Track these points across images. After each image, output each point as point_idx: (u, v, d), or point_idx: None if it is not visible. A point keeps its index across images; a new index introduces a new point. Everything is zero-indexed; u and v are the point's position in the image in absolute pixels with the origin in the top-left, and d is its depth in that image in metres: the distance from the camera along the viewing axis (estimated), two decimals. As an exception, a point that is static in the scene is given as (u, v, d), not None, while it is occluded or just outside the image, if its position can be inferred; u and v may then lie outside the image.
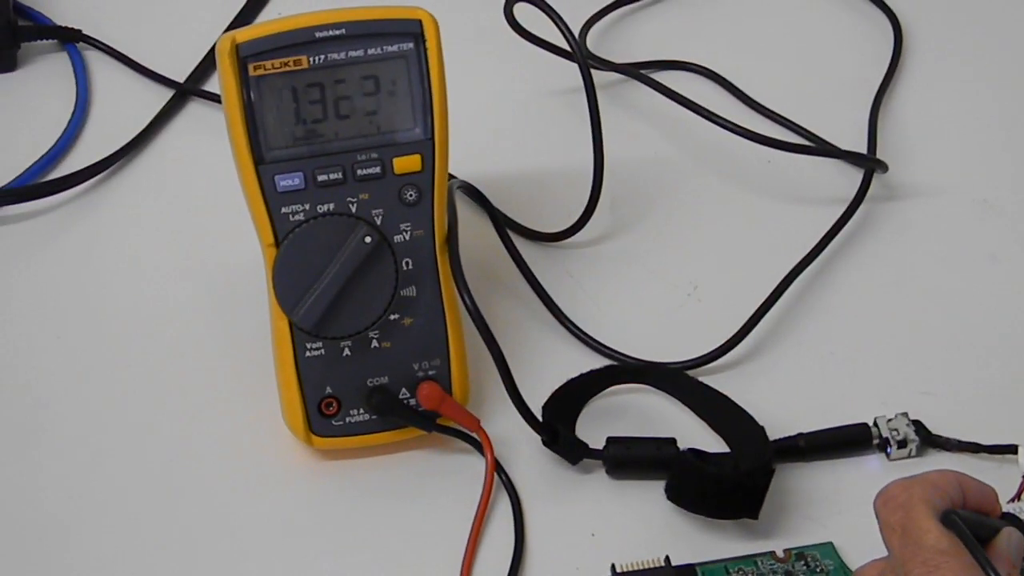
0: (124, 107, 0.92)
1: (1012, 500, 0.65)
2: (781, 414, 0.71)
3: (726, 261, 0.82)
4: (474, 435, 0.69)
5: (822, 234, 0.81)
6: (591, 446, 0.70)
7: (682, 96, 0.87)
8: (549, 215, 0.83)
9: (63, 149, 0.89)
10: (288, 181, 0.67)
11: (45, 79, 0.95)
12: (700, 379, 0.73)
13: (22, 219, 0.84)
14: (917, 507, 0.55)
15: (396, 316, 0.69)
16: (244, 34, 0.66)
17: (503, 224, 0.79)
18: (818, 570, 0.65)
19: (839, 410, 0.72)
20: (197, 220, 0.84)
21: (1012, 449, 0.70)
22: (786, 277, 0.79)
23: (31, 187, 0.85)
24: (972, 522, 0.55)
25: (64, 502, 0.69)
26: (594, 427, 0.71)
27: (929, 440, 0.71)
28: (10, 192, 0.85)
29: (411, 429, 0.70)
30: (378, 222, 0.67)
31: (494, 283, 0.79)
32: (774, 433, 0.69)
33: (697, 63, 0.95)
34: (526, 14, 0.84)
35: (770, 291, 0.78)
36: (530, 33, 0.88)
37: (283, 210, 0.67)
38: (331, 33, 0.66)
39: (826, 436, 0.70)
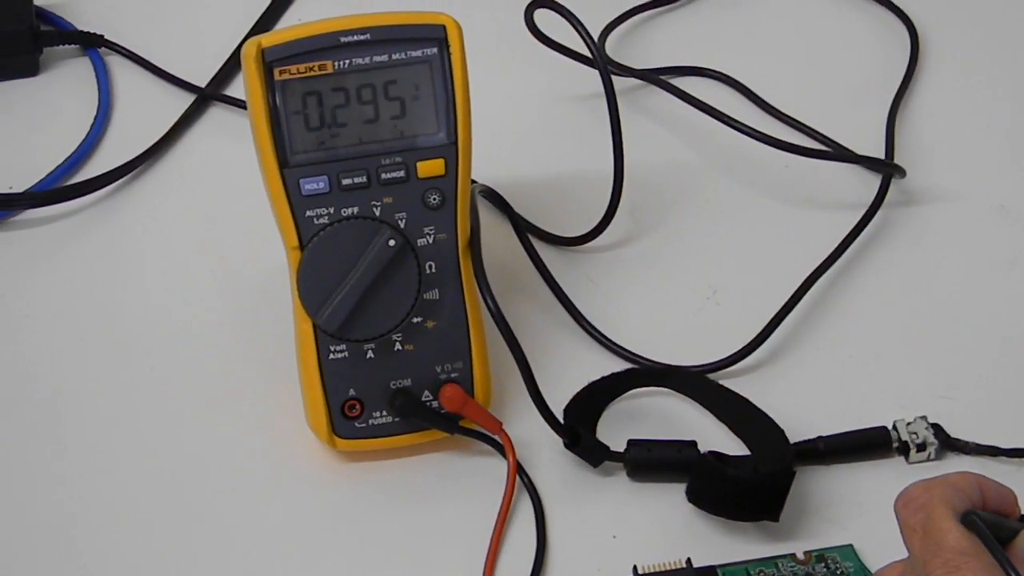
0: (146, 112, 0.93)
1: (1031, 503, 0.66)
2: (801, 417, 0.72)
3: (745, 265, 0.82)
4: (496, 437, 0.70)
5: (840, 239, 0.82)
6: (612, 448, 0.70)
7: (701, 101, 0.88)
8: (569, 219, 0.83)
9: (85, 153, 0.89)
10: (313, 185, 0.67)
11: (67, 84, 0.95)
12: (720, 382, 0.74)
13: (45, 223, 0.85)
14: (937, 508, 0.55)
15: (419, 319, 0.69)
16: (270, 39, 0.67)
17: (524, 228, 0.80)
18: (838, 572, 0.65)
19: (858, 413, 0.72)
20: (220, 224, 0.84)
21: (1031, 452, 0.70)
22: (805, 281, 0.79)
23: (54, 191, 0.86)
24: (992, 523, 0.55)
25: (88, 503, 0.70)
26: (615, 430, 0.71)
27: (948, 443, 0.71)
28: (34, 196, 0.85)
29: (434, 431, 0.70)
30: (402, 226, 0.68)
31: (515, 287, 0.79)
32: (794, 436, 0.70)
33: (715, 68, 0.95)
34: (546, 20, 0.85)
35: (789, 295, 0.78)
36: (550, 39, 0.89)
37: (308, 213, 0.67)
38: (356, 38, 0.67)
39: (846, 439, 0.71)
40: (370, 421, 0.70)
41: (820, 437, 0.71)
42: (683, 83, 0.92)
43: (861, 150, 0.88)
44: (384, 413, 0.70)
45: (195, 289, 0.81)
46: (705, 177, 0.88)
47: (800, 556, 0.66)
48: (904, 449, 0.71)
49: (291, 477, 0.71)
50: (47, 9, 0.99)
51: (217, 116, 0.93)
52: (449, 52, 0.68)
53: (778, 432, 0.70)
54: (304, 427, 0.71)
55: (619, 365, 0.75)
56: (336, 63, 0.67)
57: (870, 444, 0.71)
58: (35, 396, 0.75)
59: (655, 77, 0.93)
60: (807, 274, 0.79)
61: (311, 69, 0.67)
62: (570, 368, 0.74)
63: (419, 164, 0.68)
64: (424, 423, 0.70)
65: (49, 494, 0.70)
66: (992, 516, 0.56)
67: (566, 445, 0.70)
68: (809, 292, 0.79)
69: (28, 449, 0.72)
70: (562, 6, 0.82)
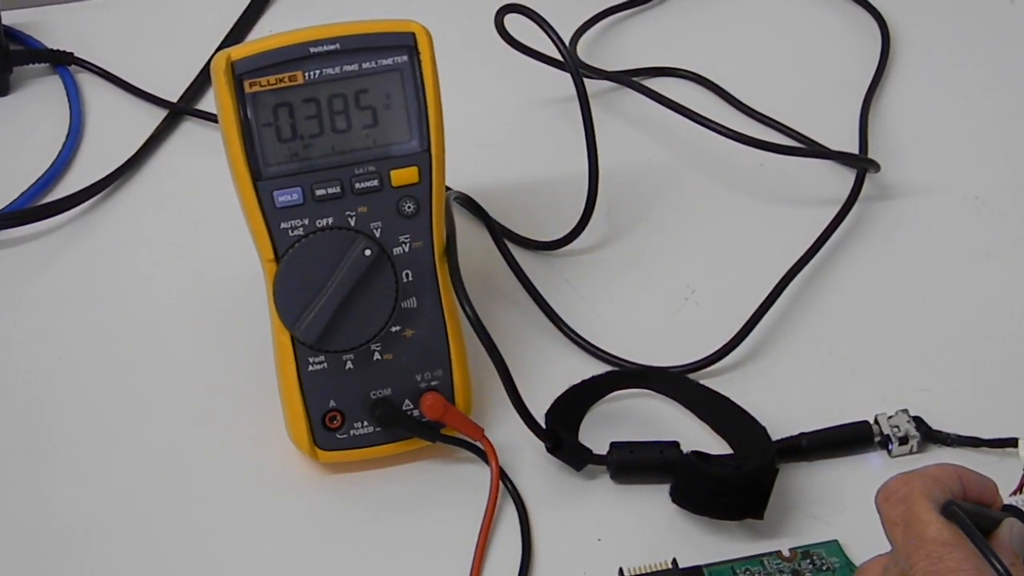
0: (118, 128, 0.93)
1: (1014, 493, 0.65)
2: (782, 414, 0.72)
3: (723, 264, 0.82)
4: (478, 444, 0.70)
5: (817, 235, 0.82)
6: (595, 452, 0.70)
7: (674, 102, 0.88)
8: (545, 223, 0.83)
9: (59, 172, 0.89)
10: (287, 196, 0.67)
11: (38, 103, 0.95)
12: (701, 382, 0.74)
13: (20, 242, 0.85)
14: (918, 500, 0.55)
15: (397, 328, 0.69)
16: (239, 51, 0.66)
17: (500, 234, 0.80)
18: (824, 568, 0.65)
19: (840, 409, 0.72)
20: (195, 238, 0.84)
21: (1012, 442, 0.70)
22: (783, 278, 0.79)
23: (28, 210, 0.85)
24: (973, 513, 0.55)
25: (70, 521, 0.69)
26: (597, 433, 0.71)
27: (930, 436, 0.71)
28: (7, 216, 0.85)
29: (415, 440, 0.70)
30: (377, 235, 0.68)
31: (493, 293, 0.79)
32: (776, 433, 0.70)
33: (687, 69, 0.95)
34: (517, 24, 0.85)
35: (767, 293, 0.78)
36: (521, 43, 0.89)
37: (282, 225, 0.67)
38: (325, 48, 0.67)
39: (828, 435, 0.71)
40: (351, 432, 0.70)
41: (802, 433, 0.71)
42: (656, 84, 0.92)
43: (835, 146, 0.88)
44: (365, 423, 0.70)
45: (172, 304, 0.80)
46: (680, 177, 0.88)
47: (785, 553, 0.66)
48: (886, 443, 0.71)
49: (273, 490, 0.70)
50: (16, 28, 0.99)
51: (190, 130, 0.93)
52: (419, 59, 0.68)
53: (760, 430, 0.70)
54: (285, 440, 0.70)
55: (599, 368, 0.75)
56: (306, 74, 0.67)
57: (852, 439, 0.71)
58: (14, 415, 0.75)
59: (627, 79, 0.93)
60: (785, 271, 0.80)
61: (281, 80, 0.67)
62: (550, 372, 0.74)
63: (393, 172, 0.68)
64: (406, 432, 0.70)
65: (28, 510, 0.70)
66: (973, 506, 0.56)
67: (548, 449, 0.70)
68: (787, 289, 0.79)
69: (6, 467, 0.72)
70: (532, 10, 0.82)
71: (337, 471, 0.71)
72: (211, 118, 0.92)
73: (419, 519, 0.69)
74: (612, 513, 0.69)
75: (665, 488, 0.68)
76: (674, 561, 0.66)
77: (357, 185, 0.68)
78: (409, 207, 0.68)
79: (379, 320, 0.67)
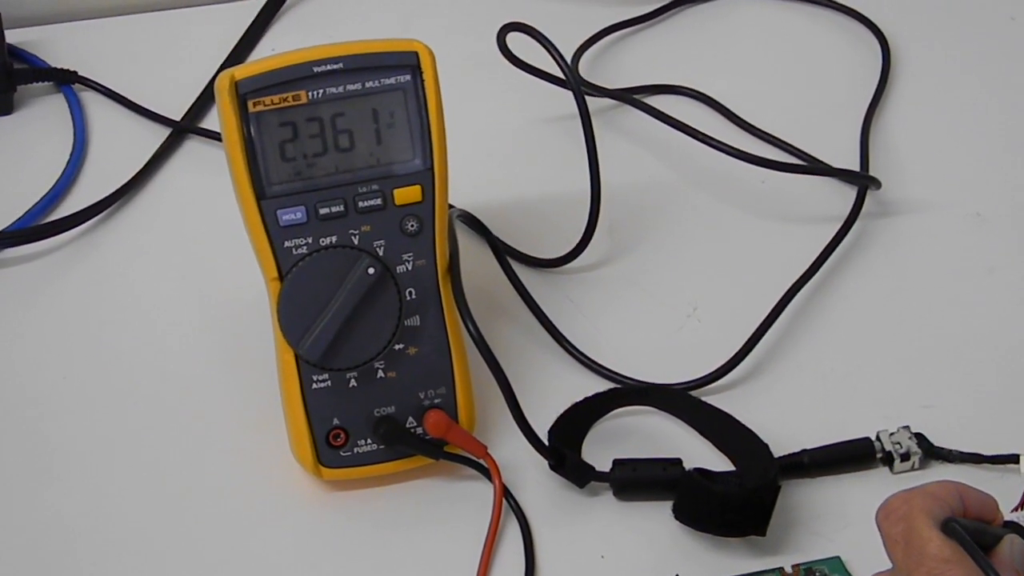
0: (122, 147, 0.93)
1: (1015, 509, 0.66)
2: (784, 431, 0.72)
3: (725, 281, 0.82)
4: (481, 461, 0.70)
5: (819, 252, 0.82)
6: (598, 469, 0.70)
7: (676, 120, 0.88)
8: (548, 241, 0.83)
9: (63, 190, 0.89)
10: (290, 215, 0.67)
11: (42, 121, 0.96)
12: (703, 399, 0.74)
13: (25, 261, 0.85)
14: (918, 518, 0.55)
15: (401, 346, 0.69)
16: (243, 71, 0.67)
17: (503, 252, 0.80)
18: (827, 585, 0.66)
19: (841, 426, 0.72)
20: (199, 256, 0.84)
21: (1014, 459, 0.70)
22: (785, 295, 0.79)
23: (33, 229, 0.86)
24: (973, 530, 0.55)
25: (74, 539, 0.70)
26: (600, 450, 0.72)
27: (932, 452, 0.71)
28: (12, 234, 0.85)
29: (419, 458, 0.70)
30: (380, 253, 0.68)
31: (496, 310, 0.80)
32: (778, 450, 0.70)
33: (689, 86, 0.95)
34: (519, 43, 0.85)
35: (769, 310, 0.78)
36: (523, 61, 0.89)
37: (286, 244, 0.67)
38: (329, 67, 0.67)
39: (830, 452, 0.71)
40: (355, 449, 0.70)
41: (804, 450, 0.71)
42: (657, 101, 0.93)
43: (836, 163, 0.88)
44: (369, 441, 0.70)
45: (176, 323, 0.81)
46: (682, 195, 0.88)
47: (788, 570, 0.66)
48: (888, 459, 0.71)
49: (277, 508, 0.71)
50: (19, 47, 1.00)
51: (193, 149, 0.93)
52: (422, 78, 0.68)
53: (762, 447, 0.70)
54: (289, 457, 0.71)
55: (602, 385, 0.75)
56: (310, 93, 0.67)
57: (854, 456, 0.71)
58: (19, 433, 0.75)
59: (629, 96, 0.93)
60: (787, 288, 0.80)
61: (285, 100, 0.67)
62: (553, 390, 0.75)
63: (396, 191, 0.68)
64: (409, 450, 0.70)
65: (34, 528, 0.70)
66: (973, 523, 0.56)
67: (551, 467, 0.70)
68: (789, 306, 0.79)
69: (11, 486, 0.72)
70: (534, 29, 0.82)
71: (341, 489, 0.71)
72: (215, 136, 0.92)
73: (423, 537, 0.69)
74: (615, 530, 0.69)
75: (668, 505, 0.68)
76: (677, 578, 0.66)
77: (360, 204, 0.68)
78: (412, 225, 0.69)
79: (383, 338, 0.68)
